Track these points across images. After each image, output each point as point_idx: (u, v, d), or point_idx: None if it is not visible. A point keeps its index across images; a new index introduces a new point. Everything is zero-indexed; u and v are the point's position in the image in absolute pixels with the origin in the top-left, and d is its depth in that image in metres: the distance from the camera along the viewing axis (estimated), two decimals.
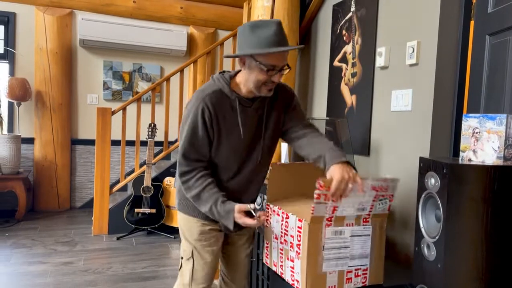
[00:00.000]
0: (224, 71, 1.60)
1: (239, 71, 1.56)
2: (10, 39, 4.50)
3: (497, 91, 1.90)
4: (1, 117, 4.33)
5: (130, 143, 4.80)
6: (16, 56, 4.54)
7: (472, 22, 2.10)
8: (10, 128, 4.57)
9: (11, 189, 4.16)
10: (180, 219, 1.74)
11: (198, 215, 1.67)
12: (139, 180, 3.93)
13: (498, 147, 1.29)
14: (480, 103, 1.98)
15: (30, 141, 4.62)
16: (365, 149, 2.55)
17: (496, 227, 1.28)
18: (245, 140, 1.58)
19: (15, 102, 4.42)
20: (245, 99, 1.55)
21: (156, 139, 4.72)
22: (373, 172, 2.49)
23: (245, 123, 1.55)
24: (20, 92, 4.30)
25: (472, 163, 1.33)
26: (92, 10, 4.72)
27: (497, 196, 1.26)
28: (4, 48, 4.53)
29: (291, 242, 1.64)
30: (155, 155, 4.73)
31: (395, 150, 2.32)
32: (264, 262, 1.85)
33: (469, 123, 1.38)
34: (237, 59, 1.49)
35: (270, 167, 1.78)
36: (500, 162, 1.29)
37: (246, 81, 1.49)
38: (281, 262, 1.71)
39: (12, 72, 4.52)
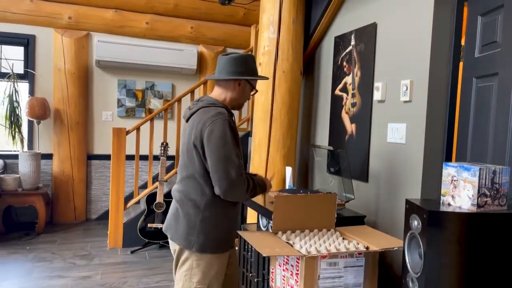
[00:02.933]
0: (199, 98, 1.89)
1: (204, 95, 1.90)
2: (30, 61, 4.76)
3: (482, 130, 2.06)
4: (22, 135, 4.58)
5: (142, 157, 5.02)
6: (36, 77, 4.79)
7: (461, 64, 2.27)
8: (30, 145, 4.83)
9: (32, 203, 4.41)
10: (200, 260, 1.76)
11: (227, 247, 1.83)
12: (152, 196, 4.14)
13: (472, 195, 1.47)
14: (468, 140, 2.15)
15: (49, 157, 4.87)
16: (363, 175, 2.73)
17: (470, 266, 1.45)
18: None
19: (35, 121, 4.67)
20: None
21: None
22: (372, 197, 2.66)
23: None
24: (40, 111, 4.55)
25: (450, 208, 1.50)
26: (107, 32, 4.96)
27: (470, 239, 1.44)
28: (25, 70, 4.79)
29: (291, 271, 1.83)
30: (166, 169, 4.95)
31: (391, 179, 2.49)
32: (271, 286, 2.04)
33: (448, 171, 1.56)
34: (223, 81, 1.84)
35: (274, 198, 1.98)
36: (474, 209, 1.46)
37: (238, 98, 1.85)
38: (283, 287, 1.90)
39: (32, 91, 4.78)
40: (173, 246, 1.85)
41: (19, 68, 4.80)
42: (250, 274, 2.72)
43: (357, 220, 2.48)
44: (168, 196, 4.26)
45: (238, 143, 1.74)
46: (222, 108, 1.77)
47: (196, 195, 1.77)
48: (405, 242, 1.62)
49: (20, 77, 4.75)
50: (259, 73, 1.91)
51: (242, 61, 1.81)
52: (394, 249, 1.75)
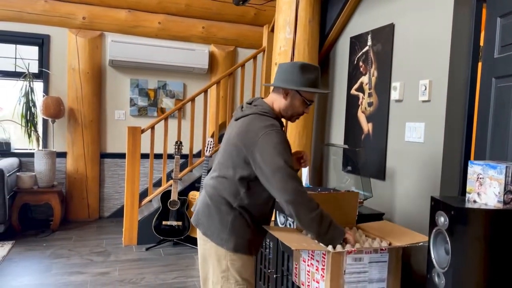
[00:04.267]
0: (252, 101, 1.82)
1: (258, 98, 1.83)
2: (44, 60, 4.82)
3: (502, 129, 2.10)
4: (38, 134, 4.65)
5: (156, 156, 5.08)
6: (50, 76, 4.85)
7: (480, 64, 2.31)
8: (45, 144, 4.89)
9: (47, 201, 4.47)
10: (234, 261, 1.77)
11: (255, 251, 1.84)
12: (166, 194, 4.20)
13: (499, 193, 1.51)
14: (487, 140, 2.19)
15: (63, 155, 4.93)
16: (381, 174, 2.77)
17: (496, 262, 1.49)
18: None
19: (49, 119, 4.73)
20: None
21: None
22: (389, 195, 2.71)
23: None
24: (55, 110, 4.61)
25: (476, 204, 1.55)
26: (120, 32, 5.02)
27: (496, 235, 1.48)
28: (39, 69, 4.85)
29: (316, 266, 1.88)
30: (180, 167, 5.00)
31: (409, 177, 2.54)
32: (294, 281, 2.09)
33: (474, 169, 1.60)
34: (277, 88, 1.78)
35: None
36: (500, 206, 1.51)
37: (285, 109, 1.78)
38: (308, 282, 1.95)
39: (46, 91, 4.84)
40: (205, 242, 1.84)
41: (34, 68, 4.86)
42: (269, 271, 2.77)
43: (375, 217, 2.53)
44: (181, 194, 4.31)
45: (291, 155, 1.69)
46: (274, 120, 1.73)
47: (229, 196, 1.76)
48: (430, 238, 1.67)
49: (35, 76, 4.81)
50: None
51: (296, 70, 1.72)
52: (420, 244, 1.80)
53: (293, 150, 3.25)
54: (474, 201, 1.61)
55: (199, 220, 1.86)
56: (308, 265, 1.95)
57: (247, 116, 1.75)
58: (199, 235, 1.90)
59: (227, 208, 1.77)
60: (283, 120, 1.95)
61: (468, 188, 1.63)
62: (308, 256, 1.94)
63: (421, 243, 1.80)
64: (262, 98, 1.85)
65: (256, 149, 1.64)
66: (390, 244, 1.88)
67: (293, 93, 1.76)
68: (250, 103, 1.82)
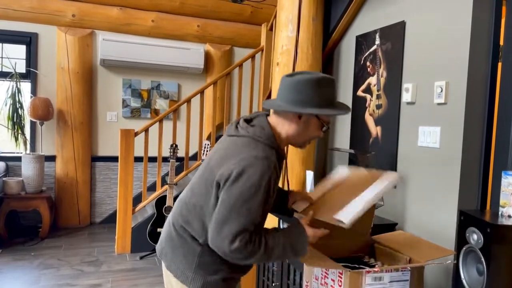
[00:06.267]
0: (252, 118, 1.50)
1: (260, 114, 1.49)
2: (32, 59, 4.60)
3: None
4: (25, 137, 4.43)
5: (150, 159, 4.89)
6: (39, 76, 4.63)
7: (499, 64, 2.17)
8: (33, 147, 4.67)
9: (35, 207, 4.26)
10: None
11: (236, 281, 1.54)
12: (161, 199, 4.01)
13: None
14: (509, 145, 2.05)
15: (52, 159, 4.72)
16: None
17: None
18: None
19: (38, 122, 4.52)
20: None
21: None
22: (399, 203, 2.56)
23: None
24: (43, 112, 4.40)
25: (511, 220, 1.40)
26: (112, 30, 4.81)
27: None
28: (27, 69, 4.63)
29: (331, 285, 1.72)
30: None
31: (422, 185, 2.39)
32: None
33: (509, 180, 1.46)
34: (283, 110, 1.42)
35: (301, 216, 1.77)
36: None
37: (297, 136, 1.44)
38: None
39: (34, 91, 4.62)
40: (168, 277, 1.54)
41: (21, 68, 4.64)
42: (273, 284, 2.60)
43: (388, 227, 2.38)
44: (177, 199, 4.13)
45: (269, 201, 1.34)
46: (271, 151, 1.38)
47: (198, 227, 1.43)
48: (459, 256, 1.52)
49: (23, 76, 4.59)
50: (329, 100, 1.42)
51: (309, 86, 1.36)
52: (447, 262, 1.64)
53: (297, 155, 3.08)
54: (509, 216, 1.46)
55: (163, 250, 1.54)
56: (321, 284, 1.79)
57: (238, 138, 1.42)
58: (163, 267, 1.59)
59: (193, 242, 1.44)
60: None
61: (501, 202, 1.49)
62: (322, 274, 1.78)
63: (450, 262, 1.65)
64: (267, 114, 1.49)
65: (229, 179, 1.32)
66: (410, 260, 1.73)
67: (307, 117, 1.41)
68: (248, 121, 1.48)
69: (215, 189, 1.37)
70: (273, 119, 1.46)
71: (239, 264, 1.41)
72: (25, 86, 4.62)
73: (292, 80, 1.38)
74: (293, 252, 1.42)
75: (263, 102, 1.50)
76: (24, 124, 4.44)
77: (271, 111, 1.56)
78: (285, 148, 1.64)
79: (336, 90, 1.45)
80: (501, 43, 2.16)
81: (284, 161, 1.54)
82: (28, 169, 4.25)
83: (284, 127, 1.44)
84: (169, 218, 1.58)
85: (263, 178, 1.29)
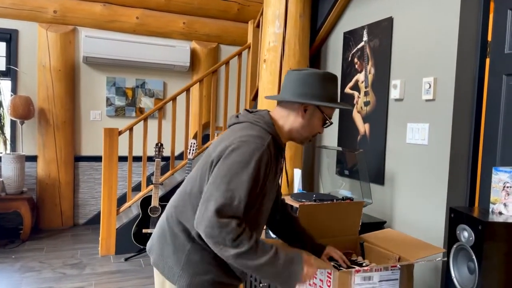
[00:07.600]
0: (253, 111, 1.48)
1: (263, 110, 1.50)
2: (12, 57, 4.47)
3: None
4: (5, 137, 4.30)
5: (135, 158, 4.80)
6: (19, 74, 4.50)
7: (487, 60, 2.16)
8: (13, 147, 4.54)
9: (16, 209, 4.13)
10: None
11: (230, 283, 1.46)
12: (146, 200, 3.93)
13: None
14: (497, 141, 2.03)
15: (33, 159, 4.59)
16: (379, 178, 2.59)
17: None
18: (274, 194, 1.49)
19: (18, 121, 4.39)
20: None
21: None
22: (388, 201, 2.53)
23: (278, 176, 1.52)
24: (24, 111, 4.27)
25: (502, 217, 1.37)
26: (95, 27, 4.70)
27: None
28: (7, 66, 4.49)
29: (320, 286, 1.68)
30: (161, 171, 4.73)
31: (411, 182, 2.36)
32: None
33: (500, 176, 1.43)
34: (289, 102, 1.43)
35: (298, 207, 1.79)
36: None
37: (302, 129, 1.43)
38: None
39: (14, 90, 4.48)
40: (157, 274, 1.48)
41: (1, 65, 4.50)
42: (261, 285, 2.55)
43: (376, 226, 2.35)
44: (163, 199, 4.05)
45: (258, 187, 1.30)
46: (269, 136, 1.36)
47: (188, 220, 1.39)
48: (450, 254, 1.49)
49: (2, 74, 4.46)
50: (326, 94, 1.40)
51: (316, 80, 1.38)
52: (437, 260, 1.61)
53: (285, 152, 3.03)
54: (500, 213, 1.43)
55: (153, 246, 1.48)
56: (310, 285, 1.75)
57: (238, 124, 1.43)
58: (153, 265, 1.52)
59: (184, 236, 1.39)
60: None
61: (492, 198, 1.46)
62: None
63: (440, 259, 1.62)
64: (269, 111, 1.49)
65: (220, 160, 1.30)
66: (399, 258, 1.70)
67: (312, 110, 1.41)
68: (250, 111, 1.48)
69: (209, 170, 1.35)
70: (276, 112, 1.47)
71: (229, 261, 1.27)
72: (5, 84, 4.49)
73: (300, 74, 1.40)
74: (283, 272, 1.29)
75: (266, 96, 1.45)
76: (4, 123, 4.31)
77: (276, 105, 1.56)
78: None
79: (338, 87, 1.45)
80: (489, 38, 2.15)
81: (283, 153, 1.50)
82: (8, 170, 4.13)
83: (289, 119, 1.44)
84: (163, 213, 1.53)
85: (254, 154, 1.28)
